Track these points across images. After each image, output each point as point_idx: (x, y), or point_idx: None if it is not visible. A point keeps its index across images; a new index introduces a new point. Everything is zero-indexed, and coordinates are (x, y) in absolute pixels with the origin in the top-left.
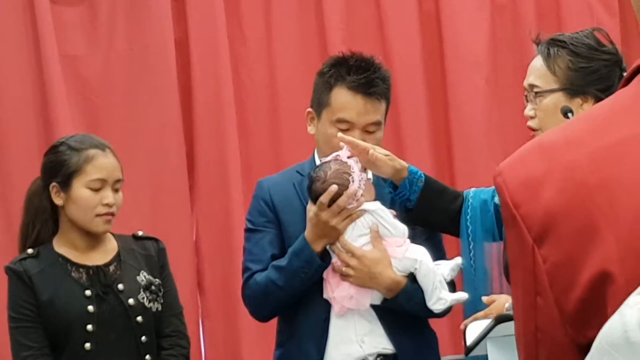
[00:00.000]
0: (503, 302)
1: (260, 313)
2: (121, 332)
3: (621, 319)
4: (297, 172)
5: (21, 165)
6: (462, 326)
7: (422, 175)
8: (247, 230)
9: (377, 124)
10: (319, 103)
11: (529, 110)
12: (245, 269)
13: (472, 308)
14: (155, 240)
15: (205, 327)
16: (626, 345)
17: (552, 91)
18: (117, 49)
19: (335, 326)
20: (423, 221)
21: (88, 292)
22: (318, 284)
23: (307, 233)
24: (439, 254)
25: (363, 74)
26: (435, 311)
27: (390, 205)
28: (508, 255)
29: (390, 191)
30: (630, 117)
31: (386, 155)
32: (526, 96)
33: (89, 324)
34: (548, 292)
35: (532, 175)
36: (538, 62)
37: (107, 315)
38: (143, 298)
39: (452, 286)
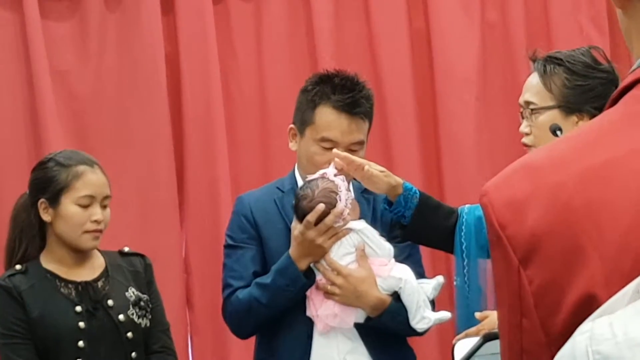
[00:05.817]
0: (496, 318)
1: (242, 330)
2: (111, 347)
3: (572, 346)
4: (278, 188)
5: (10, 180)
6: (454, 341)
7: (417, 191)
8: (228, 246)
9: (361, 143)
10: (303, 120)
11: (524, 127)
12: (227, 286)
13: (465, 324)
14: (142, 256)
15: (194, 344)
16: None
17: (548, 108)
18: (108, 64)
19: (318, 344)
20: (417, 238)
21: (78, 308)
22: (300, 302)
23: (292, 251)
24: (418, 271)
25: (348, 94)
26: (419, 330)
27: (372, 222)
28: (494, 275)
29: (385, 207)
30: (617, 137)
31: (381, 171)
32: (522, 113)
33: (80, 339)
34: (534, 314)
35: (518, 196)
36: (534, 79)
37: (97, 331)
38: (133, 314)
39: (432, 305)
